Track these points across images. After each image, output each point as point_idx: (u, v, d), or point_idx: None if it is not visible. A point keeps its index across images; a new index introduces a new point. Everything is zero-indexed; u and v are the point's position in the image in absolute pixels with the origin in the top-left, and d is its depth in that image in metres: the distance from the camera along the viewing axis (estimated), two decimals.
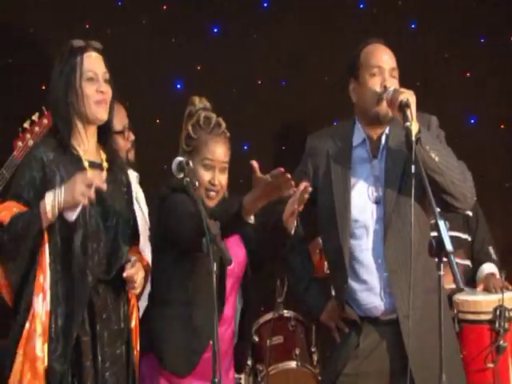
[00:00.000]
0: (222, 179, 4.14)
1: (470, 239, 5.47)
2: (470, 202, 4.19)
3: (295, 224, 3.98)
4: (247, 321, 4.32)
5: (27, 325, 3.77)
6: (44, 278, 3.80)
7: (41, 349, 3.76)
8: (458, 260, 5.25)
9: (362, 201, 4.20)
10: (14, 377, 3.77)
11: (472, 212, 5.43)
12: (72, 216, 3.75)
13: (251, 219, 3.80)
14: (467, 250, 5.42)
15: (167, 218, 4.03)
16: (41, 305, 3.80)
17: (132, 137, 4.97)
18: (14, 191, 3.87)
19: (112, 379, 3.91)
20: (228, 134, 4.21)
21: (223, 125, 4.19)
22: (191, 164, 3.96)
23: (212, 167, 4.12)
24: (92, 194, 3.70)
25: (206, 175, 4.11)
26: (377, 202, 4.19)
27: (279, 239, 4.08)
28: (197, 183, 3.93)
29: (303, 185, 3.88)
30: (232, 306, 4.16)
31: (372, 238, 4.18)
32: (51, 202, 3.71)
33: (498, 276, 5.20)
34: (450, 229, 5.28)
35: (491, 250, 5.39)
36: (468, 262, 5.42)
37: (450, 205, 4.12)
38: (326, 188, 4.26)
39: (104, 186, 3.75)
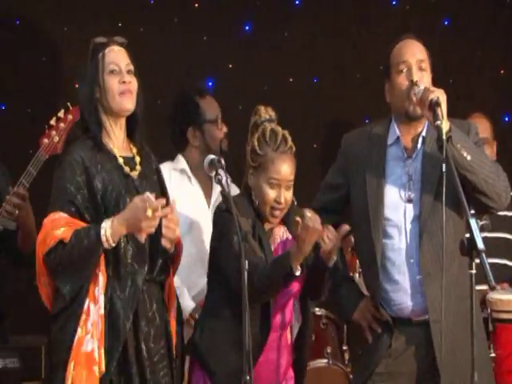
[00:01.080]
0: (288, 196, 4.10)
1: None
2: (504, 201, 4.16)
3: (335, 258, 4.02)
4: (303, 341, 4.25)
5: (79, 330, 3.80)
6: (96, 285, 3.83)
7: (97, 352, 3.79)
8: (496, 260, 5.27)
9: (395, 199, 4.19)
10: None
11: None
12: (142, 238, 3.79)
13: (299, 270, 3.83)
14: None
15: (217, 249, 4.10)
16: (94, 311, 3.82)
17: (225, 128, 4.99)
18: (62, 198, 3.88)
19: (157, 376, 3.95)
20: (294, 149, 4.16)
21: (289, 139, 4.15)
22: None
23: (278, 185, 4.07)
24: (157, 222, 3.77)
25: (271, 193, 4.07)
26: (409, 201, 4.19)
27: (320, 275, 4.09)
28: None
29: (343, 229, 3.94)
30: (282, 314, 4.12)
31: (404, 238, 4.17)
32: (110, 231, 3.77)
33: None
34: (498, 230, 5.31)
35: None
36: (504, 261, 5.39)
37: (484, 204, 4.10)
38: (360, 186, 4.25)
39: (166, 212, 3.81)
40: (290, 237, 4.15)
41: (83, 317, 3.80)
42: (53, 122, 4.50)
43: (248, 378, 3.65)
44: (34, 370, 4.14)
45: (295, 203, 4.23)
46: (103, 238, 3.74)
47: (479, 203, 4.08)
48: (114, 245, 3.78)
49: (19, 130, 5.44)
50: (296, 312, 4.20)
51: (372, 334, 4.25)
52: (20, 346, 4.42)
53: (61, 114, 4.46)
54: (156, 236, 3.91)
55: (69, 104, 4.45)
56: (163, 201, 3.78)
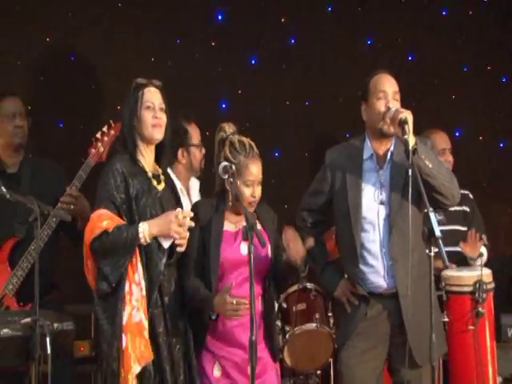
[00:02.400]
0: (259, 190, 4.12)
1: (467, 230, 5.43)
2: (456, 200, 4.24)
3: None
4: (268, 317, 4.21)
5: (127, 308, 3.82)
6: (136, 272, 3.87)
7: (146, 322, 3.83)
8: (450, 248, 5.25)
9: (370, 202, 4.23)
10: (126, 352, 3.80)
11: (469, 208, 5.42)
12: (166, 244, 3.91)
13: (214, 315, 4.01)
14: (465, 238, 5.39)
15: None
16: (137, 291, 3.85)
17: (203, 150, 4.97)
18: (106, 198, 3.92)
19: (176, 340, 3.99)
20: (258, 153, 4.17)
21: (254, 145, 4.16)
22: (233, 168, 4.01)
23: (252, 184, 4.08)
24: (184, 234, 3.89)
25: (247, 191, 4.07)
26: (381, 203, 4.21)
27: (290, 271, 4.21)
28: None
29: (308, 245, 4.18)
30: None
31: (378, 232, 4.22)
32: (146, 232, 3.86)
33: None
34: (452, 223, 5.29)
35: (484, 237, 5.35)
36: (457, 249, 5.36)
37: (441, 202, 4.16)
38: (342, 192, 4.29)
39: (192, 224, 3.91)
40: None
41: (127, 297, 3.83)
42: (98, 135, 4.54)
43: (254, 337, 3.67)
44: (85, 331, 4.15)
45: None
46: (141, 235, 3.83)
47: (437, 201, 4.12)
48: (149, 241, 3.85)
49: (73, 142, 5.45)
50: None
51: (350, 306, 4.27)
52: (74, 313, 4.41)
53: (105, 129, 4.50)
54: None
55: (111, 121, 4.49)
56: (191, 214, 3.91)
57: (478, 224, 5.43)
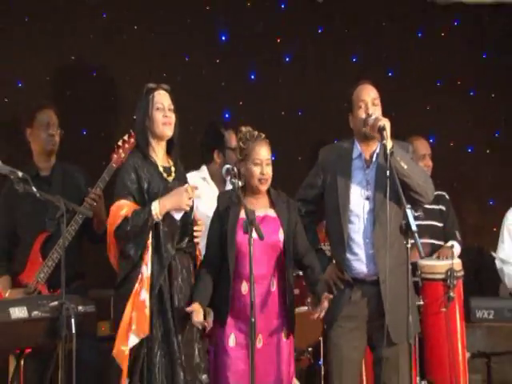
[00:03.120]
0: (269, 170, 4.12)
1: (442, 226, 5.44)
2: (430, 198, 4.23)
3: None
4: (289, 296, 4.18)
5: (137, 285, 3.87)
6: (147, 253, 3.90)
7: (148, 300, 3.86)
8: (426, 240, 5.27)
9: (357, 197, 4.21)
10: (124, 319, 3.86)
11: (445, 207, 5.42)
12: (178, 216, 3.96)
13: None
14: (441, 233, 5.39)
15: None
16: (146, 271, 3.89)
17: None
18: (122, 190, 3.98)
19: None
20: (267, 140, 4.20)
21: (263, 135, 4.19)
22: (235, 169, 4.02)
23: (260, 164, 4.08)
24: (191, 203, 3.95)
25: (257, 170, 4.08)
26: (367, 199, 4.20)
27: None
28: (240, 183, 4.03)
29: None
30: (265, 268, 4.07)
31: (363, 224, 4.20)
32: (158, 208, 3.89)
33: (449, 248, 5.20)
34: (429, 219, 5.31)
35: (457, 233, 5.36)
36: (432, 241, 5.37)
37: (416, 200, 4.16)
38: (332, 187, 4.27)
39: (196, 196, 3.99)
40: (270, 214, 4.14)
41: (140, 276, 3.88)
42: (120, 143, 4.53)
43: (253, 319, 3.68)
44: (105, 313, 4.16)
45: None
46: (153, 212, 3.87)
47: (413, 199, 4.12)
48: (161, 217, 3.89)
49: (96, 148, 5.45)
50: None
51: (337, 291, 4.26)
52: (96, 297, 4.41)
53: (125, 137, 4.50)
54: (186, 219, 4.03)
55: (131, 130, 4.48)
56: (197, 187, 3.99)
57: (452, 221, 5.44)
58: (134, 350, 3.88)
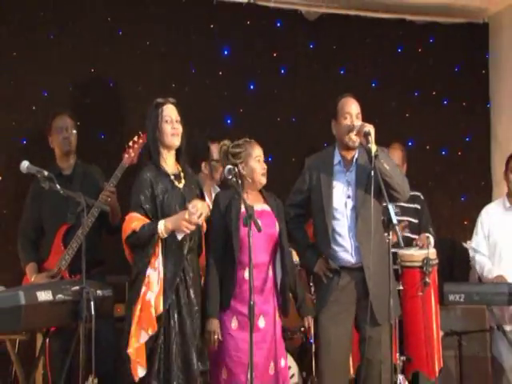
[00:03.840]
0: (265, 165, 4.19)
1: (418, 222, 5.43)
2: (406, 195, 4.25)
3: None
4: (286, 282, 4.17)
5: (143, 288, 3.84)
6: (156, 258, 3.86)
7: (153, 301, 3.82)
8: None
9: (339, 196, 4.23)
10: (134, 319, 3.83)
11: (420, 206, 5.41)
12: (180, 236, 3.88)
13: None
14: (416, 228, 5.38)
15: None
16: (152, 274, 3.85)
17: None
18: (136, 204, 3.93)
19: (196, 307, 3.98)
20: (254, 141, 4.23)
21: (248, 139, 4.22)
22: (236, 169, 4.01)
23: (261, 160, 4.15)
24: (192, 228, 3.84)
25: (259, 166, 4.14)
26: (348, 197, 4.21)
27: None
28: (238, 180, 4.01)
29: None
30: (263, 256, 4.05)
31: (346, 220, 4.22)
32: (163, 228, 3.83)
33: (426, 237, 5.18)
34: (405, 215, 5.31)
35: (431, 228, 5.36)
36: (408, 234, 5.35)
37: (394, 197, 4.17)
38: (317, 189, 4.30)
39: (199, 222, 3.88)
40: (266, 209, 4.14)
41: (146, 279, 3.84)
42: (130, 143, 4.53)
43: (252, 302, 3.66)
44: (121, 297, 4.14)
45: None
46: (159, 231, 3.83)
47: (392, 196, 4.12)
48: (166, 235, 3.84)
49: (111, 149, 5.41)
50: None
51: (326, 279, 4.26)
52: (112, 282, 4.41)
53: (135, 138, 4.49)
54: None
55: (140, 132, 4.47)
56: (196, 212, 3.84)
57: (426, 219, 5.43)
58: (152, 343, 3.85)
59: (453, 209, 6.49)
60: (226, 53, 6.11)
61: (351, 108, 4.23)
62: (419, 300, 4.80)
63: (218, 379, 3.99)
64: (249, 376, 3.69)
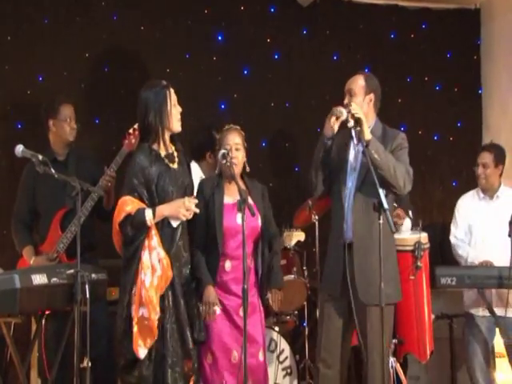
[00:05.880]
0: (238, 155, 4.06)
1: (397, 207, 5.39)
2: (401, 188, 4.10)
3: None
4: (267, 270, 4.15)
5: (139, 266, 3.79)
6: (151, 240, 3.80)
7: (149, 280, 3.77)
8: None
9: (349, 164, 4.18)
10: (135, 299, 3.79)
11: None
12: (175, 224, 3.82)
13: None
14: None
15: None
16: (149, 256, 3.80)
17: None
18: (129, 188, 3.84)
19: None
20: (238, 128, 4.13)
21: (236, 126, 4.14)
22: (230, 154, 3.97)
23: (230, 149, 4.03)
24: (190, 216, 3.78)
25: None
26: (354, 170, 4.15)
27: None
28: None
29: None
30: (247, 248, 3.94)
31: (348, 201, 4.13)
32: (151, 215, 3.76)
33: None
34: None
35: (410, 212, 5.32)
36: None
37: (389, 190, 4.07)
38: (335, 152, 4.20)
39: (197, 210, 3.79)
40: (249, 201, 4.00)
41: (141, 263, 3.79)
42: (130, 130, 4.47)
43: (246, 286, 3.64)
44: (115, 280, 4.10)
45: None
46: (147, 218, 3.74)
47: (386, 187, 4.02)
48: (154, 222, 3.76)
49: (109, 135, 5.39)
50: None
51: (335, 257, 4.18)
52: (106, 266, 4.39)
53: (135, 126, 4.41)
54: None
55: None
56: (196, 201, 3.81)
57: (406, 204, 5.38)
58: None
59: (444, 193, 6.47)
60: (220, 38, 6.06)
61: (347, 84, 4.18)
62: (411, 283, 4.78)
63: (203, 364, 3.98)
64: (237, 358, 3.78)
